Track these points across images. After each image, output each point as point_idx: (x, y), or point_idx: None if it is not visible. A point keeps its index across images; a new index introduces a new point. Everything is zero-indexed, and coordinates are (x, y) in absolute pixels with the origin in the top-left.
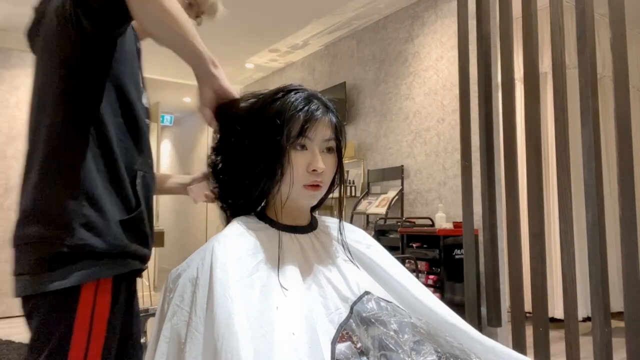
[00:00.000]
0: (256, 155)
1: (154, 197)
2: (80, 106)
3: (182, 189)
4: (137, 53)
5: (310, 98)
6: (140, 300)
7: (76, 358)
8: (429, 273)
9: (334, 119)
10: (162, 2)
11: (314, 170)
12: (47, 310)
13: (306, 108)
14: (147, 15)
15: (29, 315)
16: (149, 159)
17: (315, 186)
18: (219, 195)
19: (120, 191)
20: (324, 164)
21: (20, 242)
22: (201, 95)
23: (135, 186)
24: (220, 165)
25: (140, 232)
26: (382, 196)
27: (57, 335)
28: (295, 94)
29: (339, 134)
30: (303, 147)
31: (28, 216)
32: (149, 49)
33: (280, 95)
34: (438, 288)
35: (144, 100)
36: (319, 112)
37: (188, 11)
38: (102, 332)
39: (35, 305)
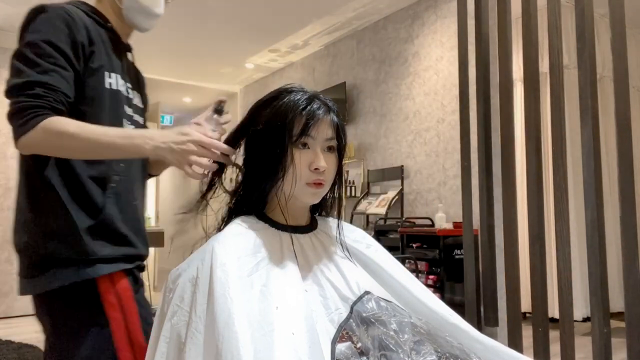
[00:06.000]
0: (258, 154)
1: (154, 196)
2: None
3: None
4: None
5: (312, 98)
6: None
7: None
8: (429, 273)
9: (335, 119)
10: (58, 132)
11: (316, 168)
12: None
13: (308, 107)
14: (49, 150)
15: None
16: (121, 163)
17: (318, 184)
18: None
19: (82, 200)
20: (326, 163)
21: (14, 248)
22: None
23: (105, 192)
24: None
25: (113, 234)
26: (382, 196)
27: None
28: (297, 94)
29: (340, 134)
30: (305, 145)
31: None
32: (149, 49)
33: (282, 95)
34: (438, 288)
35: (134, 102)
36: (320, 112)
37: None
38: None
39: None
